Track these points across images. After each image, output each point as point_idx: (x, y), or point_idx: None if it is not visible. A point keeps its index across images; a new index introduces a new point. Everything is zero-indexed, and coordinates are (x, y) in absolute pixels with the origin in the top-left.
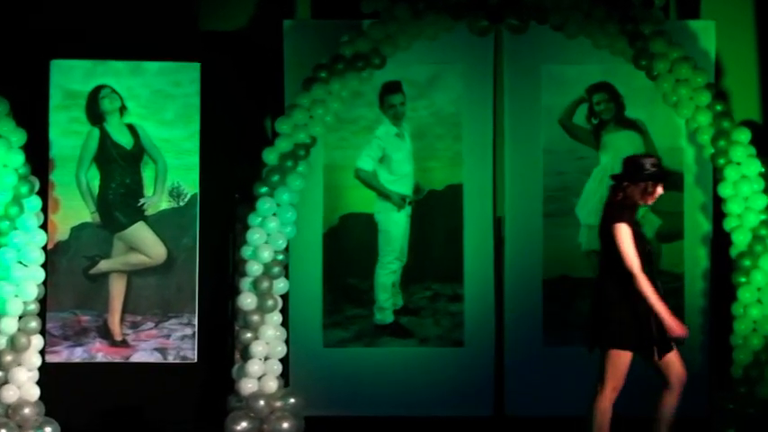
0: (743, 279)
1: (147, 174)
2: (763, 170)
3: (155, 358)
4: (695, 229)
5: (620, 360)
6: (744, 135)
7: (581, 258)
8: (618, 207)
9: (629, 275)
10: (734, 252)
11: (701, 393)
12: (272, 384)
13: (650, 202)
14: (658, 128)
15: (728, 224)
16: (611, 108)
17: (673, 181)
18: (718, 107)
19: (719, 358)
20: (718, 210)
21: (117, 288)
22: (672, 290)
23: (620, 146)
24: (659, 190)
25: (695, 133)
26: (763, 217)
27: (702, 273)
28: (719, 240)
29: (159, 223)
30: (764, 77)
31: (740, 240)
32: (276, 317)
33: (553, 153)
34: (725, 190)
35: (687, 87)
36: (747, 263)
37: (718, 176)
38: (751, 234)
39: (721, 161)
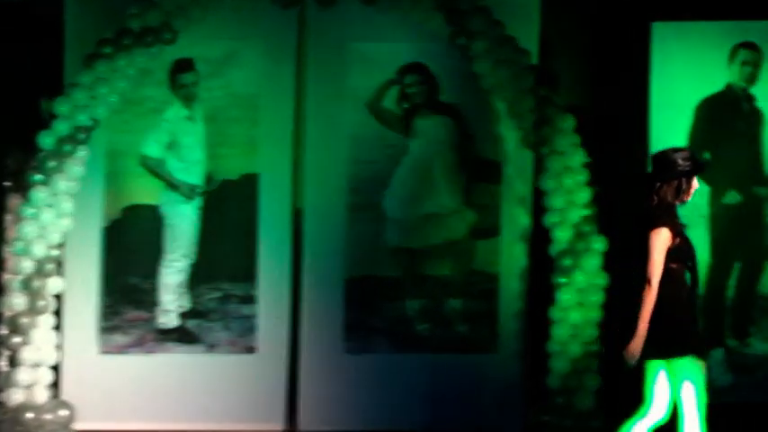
0: (563, 280)
1: None
2: (588, 161)
3: None
4: (513, 224)
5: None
6: (568, 122)
7: (388, 256)
8: (656, 211)
9: (679, 281)
10: (554, 250)
11: (515, 405)
12: (41, 394)
13: (687, 199)
14: (476, 113)
15: (549, 219)
16: (424, 91)
17: (490, 173)
18: (542, 91)
19: (535, 367)
20: (538, 204)
21: None
22: (485, 291)
23: (433, 132)
24: (694, 184)
25: (516, 120)
26: (586, 212)
27: (519, 272)
28: (539, 237)
29: None
30: (593, 59)
31: (561, 237)
32: (48, 319)
33: (360, 140)
34: (546, 182)
35: (508, 69)
36: (568, 262)
37: (539, 167)
38: (573, 230)
39: (543, 150)
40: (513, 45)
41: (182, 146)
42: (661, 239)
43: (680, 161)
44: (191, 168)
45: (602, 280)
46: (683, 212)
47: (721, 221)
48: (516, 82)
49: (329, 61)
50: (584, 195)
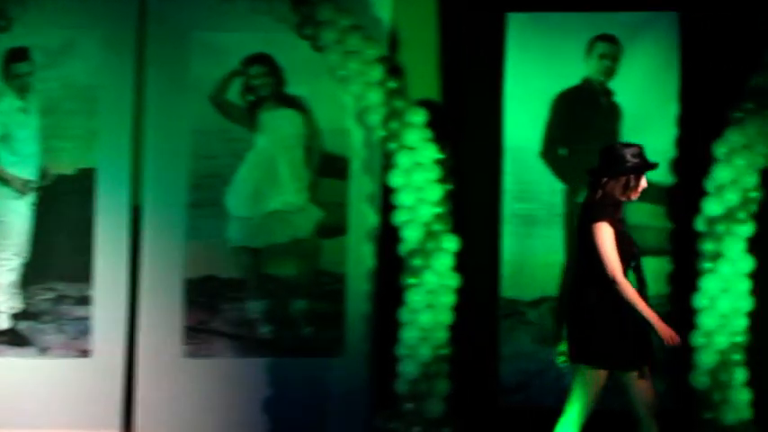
0: (413, 280)
1: None
2: (439, 157)
3: None
4: (360, 222)
5: (595, 379)
6: (419, 116)
7: (230, 255)
8: (598, 205)
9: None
10: (403, 250)
11: (361, 411)
12: None
13: (634, 197)
14: (323, 106)
15: (398, 218)
16: (269, 83)
17: (338, 168)
18: (392, 84)
19: (383, 371)
20: (387, 201)
21: None
22: (332, 292)
23: (278, 126)
24: (643, 183)
25: (364, 113)
26: (437, 210)
27: (367, 273)
28: (387, 236)
29: None
30: (445, 51)
31: (411, 236)
32: None
33: (202, 134)
34: (396, 179)
35: (357, 61)
36: (418, 262)
37: (388, 163)
38: (423, 229)
39: (393, 145)
40: (362, 35)
41: (15, 139)
42: (605, 232)
43: (629, 157)
44: (24, 162)
45: (453, 281)
46: (536, 210)
47: (576, 220)
48: (365, 74)
49: (171, 51)
50: (435, 192)
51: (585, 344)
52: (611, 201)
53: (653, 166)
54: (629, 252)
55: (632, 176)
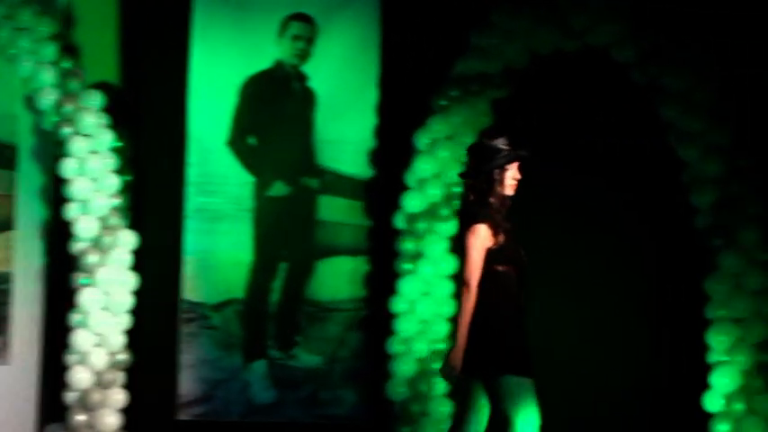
0: (86, 280)
1: None
2: (118, 144)
3: None
4: (29, 216)
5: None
6: (95, 100)
7: None
8: (475, 206)
9: (506, 287)
10: (76, 246)
11: (28, 424)
12: None
13: (508, 192)
14: None
15: (71, 211)
16: None
17: (4, 157)
18: (66, 64)
19: (53, 379)
20: (58, 193)
21: None
22: None
23: None
24: (512, 175)
25: (35, 96)
26: (114, 203)
27: (36, 272)
28: (59, 231)
29: None
30: (125, 29)
31: (85, 231)
32: None
33: None
34: (69, 168)
35: (28, 38)
36: (93, 260)
37: (60, 151)
38: (99, 224)
39: (66, 132)
40: (34, 11)
41: None
42: (478, 237)
43: (500, 146)
44: None
45: (131, 280)
46: (222, 204)
47: (266, 216)
48: (37, 53)
49: None
50: (113, 183)
51: (499, 354)
52: (484, 202)
53: (517, 156)
54: (512, 255)
55: (496, 171)
